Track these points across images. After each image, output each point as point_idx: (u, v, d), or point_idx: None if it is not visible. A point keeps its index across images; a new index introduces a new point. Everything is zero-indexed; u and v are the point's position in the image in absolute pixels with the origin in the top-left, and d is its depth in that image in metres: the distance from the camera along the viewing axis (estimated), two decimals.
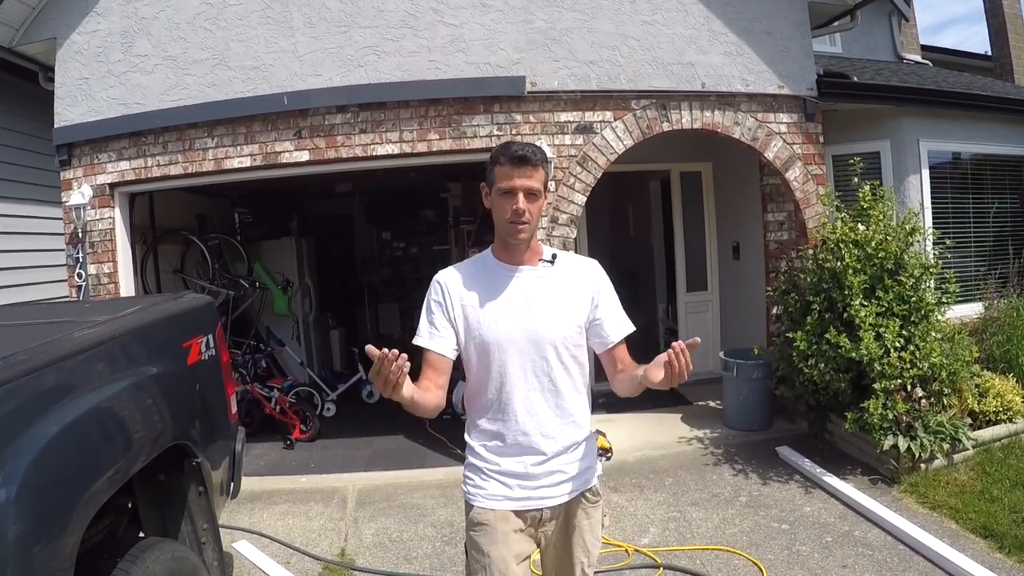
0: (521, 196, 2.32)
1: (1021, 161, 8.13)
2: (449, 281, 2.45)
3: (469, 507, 2.45)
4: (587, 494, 2.51)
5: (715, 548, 4.64)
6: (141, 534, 3.17)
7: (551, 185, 6.06)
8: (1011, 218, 8.05)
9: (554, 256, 2.49)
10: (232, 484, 3.77)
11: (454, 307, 2.41)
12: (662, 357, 2.18)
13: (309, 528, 5.21)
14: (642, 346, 9.40)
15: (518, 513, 2.40)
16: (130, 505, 3.17)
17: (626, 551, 4.60)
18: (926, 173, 7.34)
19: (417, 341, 2.40)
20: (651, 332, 9.91)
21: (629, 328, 2.56)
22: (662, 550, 4.64)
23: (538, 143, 5.92)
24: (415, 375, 2.25)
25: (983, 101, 7.79)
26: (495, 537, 2.37)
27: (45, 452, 2.12)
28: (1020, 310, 6.87)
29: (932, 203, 7.38)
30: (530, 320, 2.39)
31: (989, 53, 13.30)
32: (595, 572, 2.93)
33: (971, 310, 7.28)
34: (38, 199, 7.62)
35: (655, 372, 2.20)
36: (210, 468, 3.29)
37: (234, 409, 3.77)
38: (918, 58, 11.78)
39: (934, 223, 7.24)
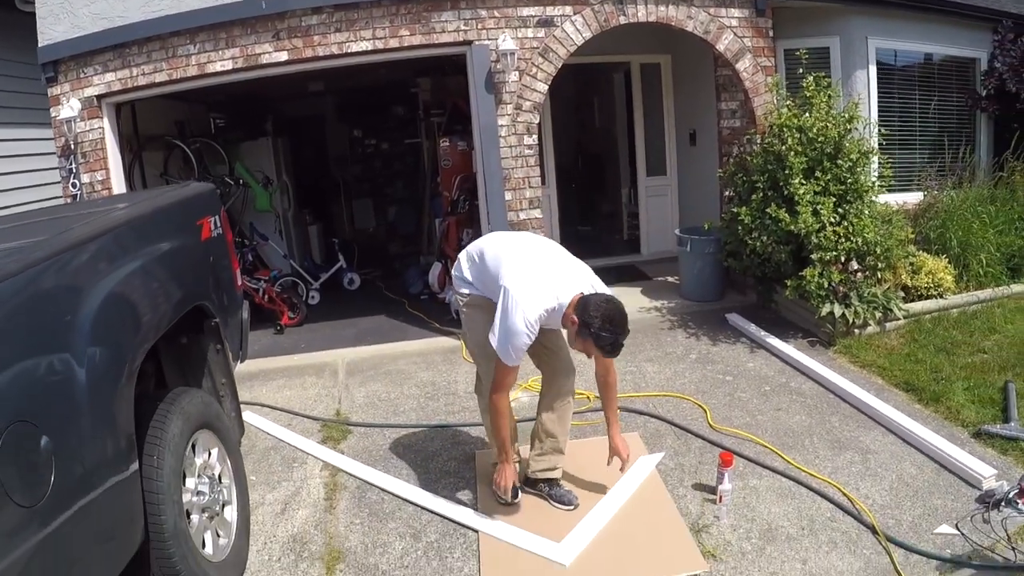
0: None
1: (970, 62, 8.37)
2: (535, 317, 3.33)
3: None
4: None
5: (666, 394, 5.29)
6: None
7: (515, 75, 6.48)
8: (957, 115, 8.36)
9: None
10: (241, 349, 4.33)
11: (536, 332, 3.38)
12: (616, 449, 3.86)
13: (306, 396, 5.79)
14: (607, 230, 9.96)
15: None
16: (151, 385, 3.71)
17: (588, 398, 5.21)
18: (873, 69, 7.60)
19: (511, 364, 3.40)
20: (616, 216, 10.46)
21: None
22: (620, 396, 5.18)
23: (502, 36, 6.31)
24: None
25: (932, 3, 7.87)
26: None
27: (107, 301, 2.67)
28: (955, 198, 7.26)
29: (879, 98, 7.68)
30: None
31: None
32: None
33: (914, 198, 7.67)
34: (18, 122, 7.97)
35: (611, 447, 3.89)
36: (224, 328, 3.84)
37: (239, 280, 4.31)
38: None
39: (880, 117, 7.58)
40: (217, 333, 3.80)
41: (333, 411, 5.44)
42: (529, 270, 3.41)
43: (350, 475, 4.44)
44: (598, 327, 3.18)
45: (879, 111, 7.69)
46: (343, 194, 13.15)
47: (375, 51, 6.43)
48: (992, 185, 7.57)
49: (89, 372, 2.50)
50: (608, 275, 8.25)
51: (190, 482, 3.14)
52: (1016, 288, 6.70)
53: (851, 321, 5.93)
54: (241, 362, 4.48)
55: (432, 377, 5.88)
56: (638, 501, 3.97)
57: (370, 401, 5.57)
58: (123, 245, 3.04)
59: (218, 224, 4.07)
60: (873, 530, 3.58)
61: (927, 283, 6.45)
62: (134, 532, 2.66)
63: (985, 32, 8.25)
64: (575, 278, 3.44)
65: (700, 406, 5.06)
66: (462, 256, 3.80)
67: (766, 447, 4.44)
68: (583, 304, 3.25)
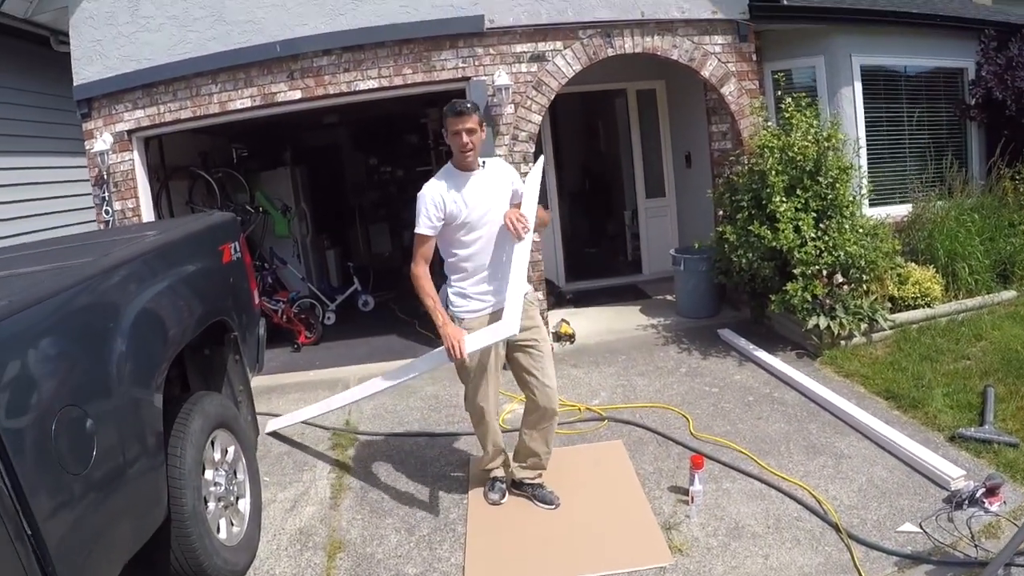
0: (464, 134, 3.80)
1: (957, 72, 8.51)
2: (436, 188, 3.86)
3: (460, 319, 4.01)
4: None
5: (652, 405, 5.60)
6: None
7: (511, 108, 6.90)
8: (947, 126, 8.50)
9: (484, 163, 4.03)
10: (258, 361, 4.78)
11: (444, 204, 3.81)
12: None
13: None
14: (612, 251, 10.35)
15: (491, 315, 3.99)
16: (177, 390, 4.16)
17: (578, 409, 5.60)
18: (859, 86, 7.79)
19: (423, 231, 3.87)
20: (620, 237, 10.80)
21: None
22: (609, 407, 5.61)
23: (497, 72, 6.75)
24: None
25: (913, 18, 8.04)
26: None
27: (141, 313, 3.15)
28: (941, 208, 7.42)
29: (866, 113, 7.86)
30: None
31: None
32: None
33: (903, 210, 7.82)
34: (46, 151, 8.54)
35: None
36: (242, 342, 4.30)
37: (257, 300, 4.78)
38: None
39: (868, 131, 7.80)
40: (236, 345, 4.28)
41: (343, 422, 5.83)
42: None
43: (354, 476, 4.88)
44: (443, 118, 3.87)
45: (867, 126, 7.88)
46: (360, 219, 13.55)
47: (381, 88, 6.89)
48: (981, 193, 7.71)
49: (127, 371, 2.99)
50: (611, 295, 8.89)
51: (208, 473, 3.60)
52: (1006, 295, 6.86)
53: (836, 332, 6.15)
54: (258, 373, 4.93)
55: (436, 391, 6.26)
56: (615, 500, 4.33)
57: (377, 413, 5.97)
58: (156, 266, 3.55)
59: (238, 249, 4.58)
60: (836, 528, 3.81)
61: (914, 293, 6.64)
62: (158, 508, 3.12)
63: (970, 42, 8.38)
64: None
65: (684, 416, 5.35)
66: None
67: (743, 453, 4.72)
68: None
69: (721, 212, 7.43)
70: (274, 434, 5.59)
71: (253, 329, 4.62)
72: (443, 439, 5.37)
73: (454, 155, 3.95)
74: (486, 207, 3.92)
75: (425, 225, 3.86)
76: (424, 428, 5.60)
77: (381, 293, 10.08)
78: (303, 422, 5.81)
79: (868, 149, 7.71)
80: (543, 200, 8.28)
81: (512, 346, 4.07)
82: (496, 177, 4.05)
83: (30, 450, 2.39)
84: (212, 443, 3.68)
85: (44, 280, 2.87)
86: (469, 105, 3.84)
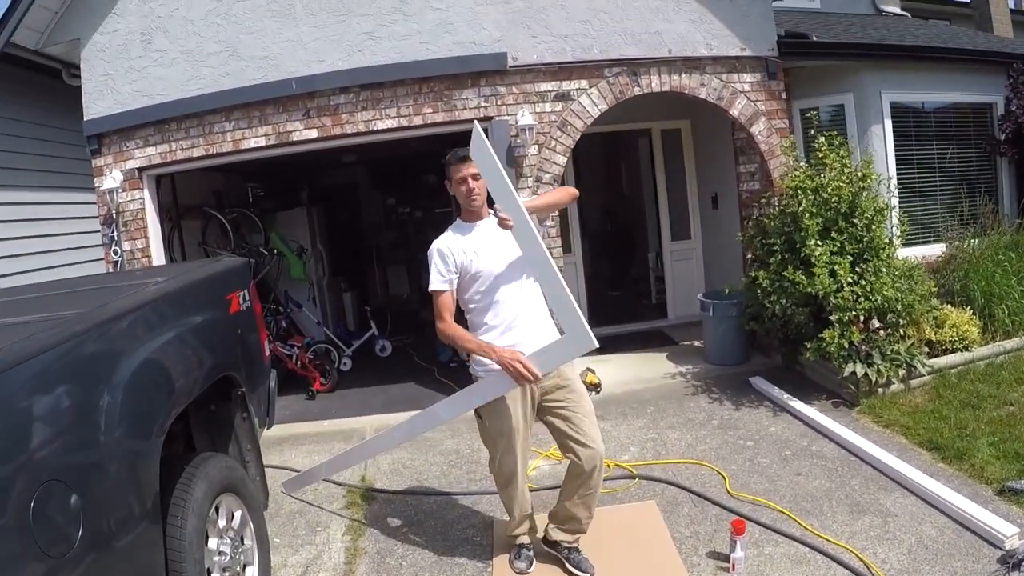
0: (469, 180, 3.63)
1: (986, 107, 8.43)
2: (444, 241, 3.70)
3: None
4: None
5: (685, 461, 5.30)
6: None
7: (534, 149, 6.71)
8: (977, 162, 8.38)
9: (494, 211, 3.67)
10: (268, 416, 4.51)
11: (454, 256, 3.63)
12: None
13: None
14: (635, 294, 10.10)
15: None
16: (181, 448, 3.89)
17: (608, 466, 5.27)
18: (888, 123, 7.70)
19: (438, 287, 3.67)
20: (644, 280, 10.56)
21: None
22: (639, 464, 5.32)
23: (521, 112, 6.57)
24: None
25: (941, 53, 8.09)
26: None
27: (138, 371, 2.89)
28: (976, 247, 7.25)
29: (896, 150, 7.75)
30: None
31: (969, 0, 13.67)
32: None
33: (936, 250, 7.68)
34: (64, 186, 8.42)
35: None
36: (251, 398, 4.02)
37: (267, 352, 4.52)
38: (896, 9, 11.99)
39: (899, 169, 7.66)
40: (244, 402, 4.00)
41: (359, 477, 5.55)
42: None
43: (370, 538, 4.58)
44: (446, 167, 3.73)
45: (897, 163, 7.76)
46: (377, 261, 13.39)
47: (400, 128, 6.74)
48: (1015, 231, 7.54)
49: (120, 437, 2.72)
50: (636, 341, 8.60)
51: (212, 542, 3.30)
52: None
53: (874, 380, 5.90)
54: (268, 429, 4.65)
55: (456, 445, 5.98)
56: (650, 568, 4.02)
57: (395, 468, 5.68)
58: (155, 319, 3.29)
59: (247, 298, 4.30)
60: None
61: (952, 336, 6.43)
62: None
63: (999, 76, 8.34)
64: None
65: (719, 472, 5.06)
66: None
67: (784, 513, 4.42)
68: None
69: (751, 255, 7.21)
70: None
71: (263, 383, 4.35)
72: (465, 498, 5.08)
73: (461, 206, 3.77)
74: (499, 254, 3.67)
75: (439, 280, 3.69)
76: (444, 485, 5.31)
77: (399, 337, 9.86)
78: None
79: (899, 188, 7.53)
80: (568, 244, 8.08)
81: (544, 409, 3.78)
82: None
83: (4, 532, 2.14)
84: (217, 509, 3.40)
85: (29, 336, 2.61)
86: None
